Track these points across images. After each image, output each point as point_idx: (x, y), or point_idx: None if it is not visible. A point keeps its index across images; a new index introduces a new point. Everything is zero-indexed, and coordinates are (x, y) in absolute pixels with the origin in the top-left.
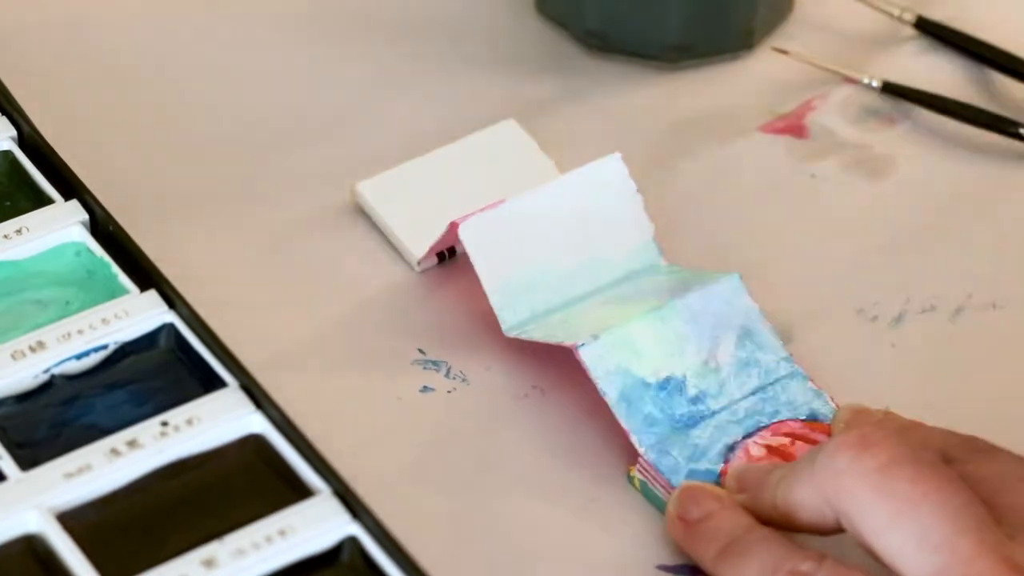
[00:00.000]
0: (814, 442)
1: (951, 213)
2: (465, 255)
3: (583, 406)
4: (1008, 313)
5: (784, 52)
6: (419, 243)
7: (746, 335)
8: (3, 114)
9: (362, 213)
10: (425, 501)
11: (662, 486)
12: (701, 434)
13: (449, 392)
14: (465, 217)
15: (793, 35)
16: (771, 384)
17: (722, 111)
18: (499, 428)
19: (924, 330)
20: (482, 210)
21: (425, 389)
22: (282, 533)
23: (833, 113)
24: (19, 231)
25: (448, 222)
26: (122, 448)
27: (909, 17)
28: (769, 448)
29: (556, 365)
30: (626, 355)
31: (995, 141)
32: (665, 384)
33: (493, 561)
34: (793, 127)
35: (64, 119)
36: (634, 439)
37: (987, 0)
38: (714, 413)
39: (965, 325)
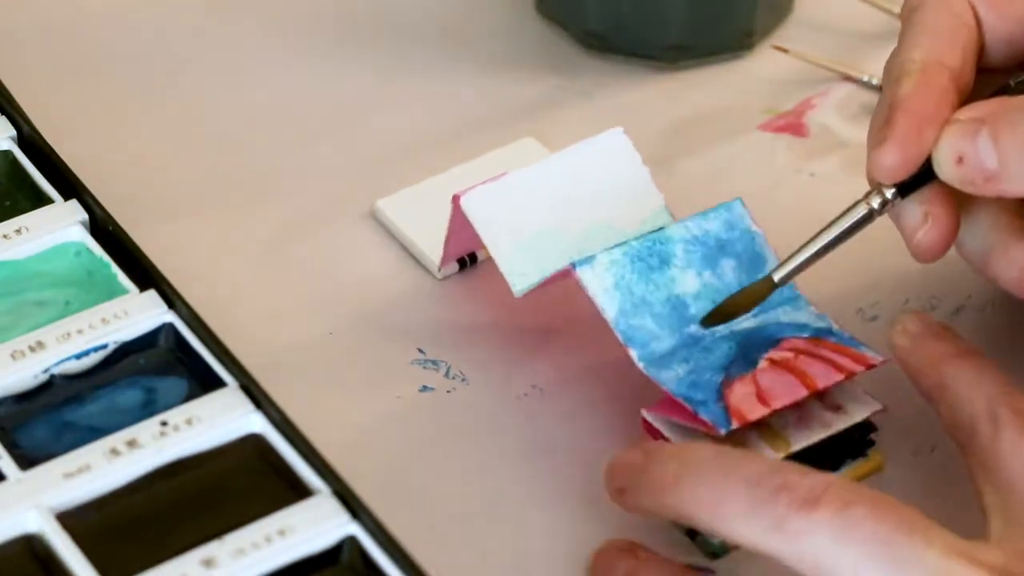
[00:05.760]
0: (817, 356)
1: None
2: (487, 259)
3: (583, 405)
4: (1007, 313)
5: (784, 51)
6: (440, 255)
7: (748, 259)
8: (3, 114)
9: (363, 215)
10: (425, 501)
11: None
12: (702, 356)
13: (449, 392)
14: (466, 190)
15: (793, 34)
16: (773, 308)
17: (722, 110)
18: (499, 428)
19: None
20: (484, 183)
21: (424, 389)
22: (282, 533)
23: (833, 112)
24: (19, 231)
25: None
26: (122, 448)
27: None
28: (772, 362)
29: (556, 365)
30: (625, 273)
31: None
32: (665, 302)
33: (492, 560)
34: (793, 126)
35: (64, 119)
36: (632, 353)
37: None
38: (715, 333)
39: (965, 325)
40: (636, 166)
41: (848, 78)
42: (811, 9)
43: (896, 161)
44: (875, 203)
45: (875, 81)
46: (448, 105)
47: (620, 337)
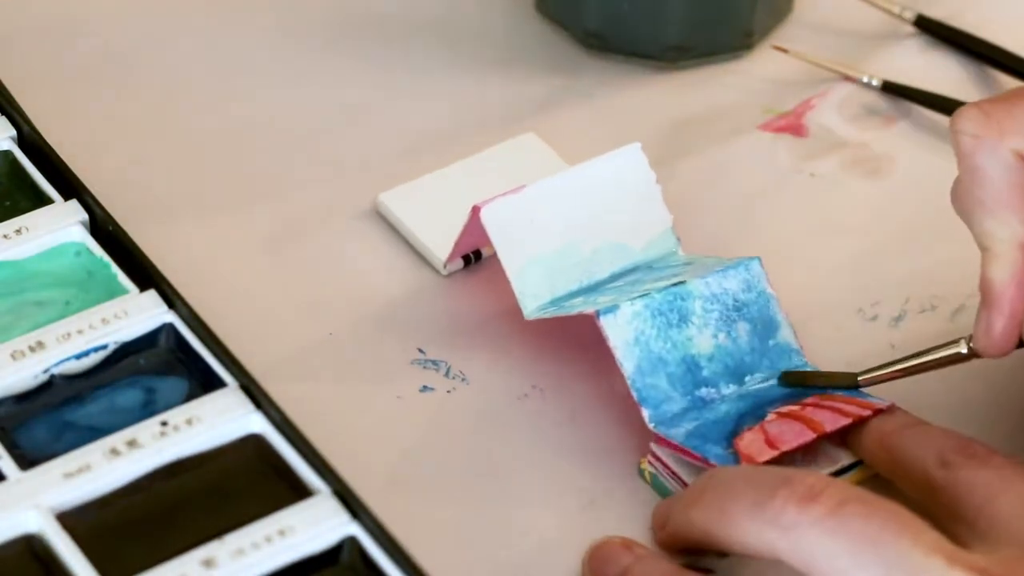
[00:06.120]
0: (823, 406)
1: (951, 212)
2: (489, 257)
3: (583, 406)
4: None
5: (784, 51)
6: (444, 248)
7: (762, 323)
8: (3, 114)
9: (366, 211)
10: (425, 501)
11: (673, 477)
12: (711, 414)
13: (449, 392)
14: (487, 201)
15: (793, 34)
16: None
17: (722, 110)
18: (499, 428)
19: (924, 330)
20: (504, 195)
21: (425, 389)
22: (282, 533)
23: (832, 112)
24: (19, 231)
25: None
26: (122, 448)
27: (909, 15)
28: (779, 414)
29: (556, 365)
30: (645, 328)
31: None
32: (680, 363)
33: (492, 561)
34: (792, 126)
35: (64, 119)
36: (645, 414)
37: None
38: (724, 397)
39: (965, 325)
40: (649, 183)
41: (848, 78)
42: (811, 9)
43: (999, 353)
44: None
45: (875, 81)
46: (448, 104)
47: (635, 395)
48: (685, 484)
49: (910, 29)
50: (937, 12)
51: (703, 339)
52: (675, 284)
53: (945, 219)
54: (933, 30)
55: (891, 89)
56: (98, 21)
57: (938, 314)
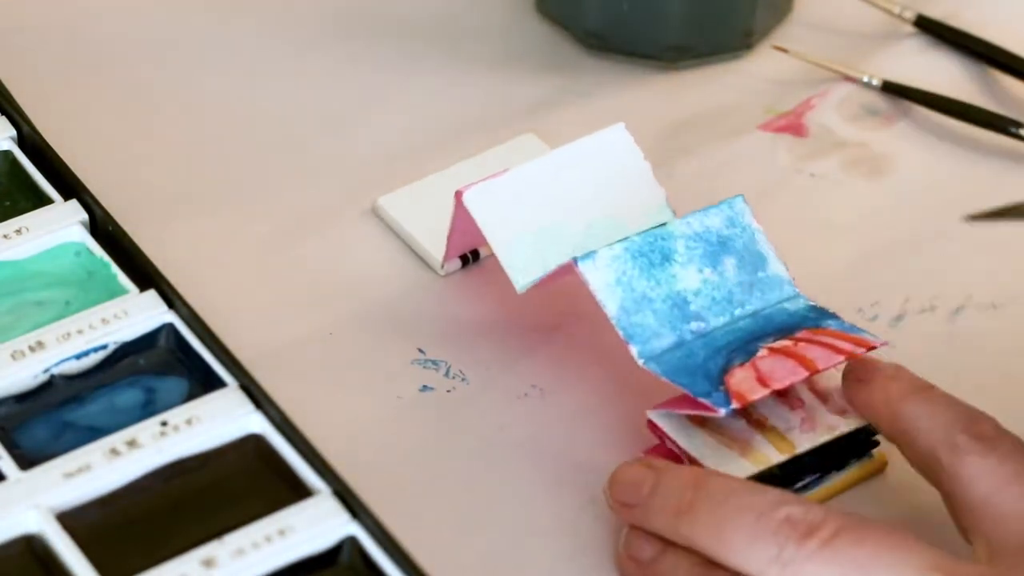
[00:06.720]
0: (816, 342)
1: (951, 213)
2: (488, 258)
3: (583, 405)
4: (1008, 313)
5: (784, 50)
6: (443, 250)
7: (749, 256)
8: (3, 114)
9: (364, 213)
10: (425, 501)
11: (673, 446)
12: (702, 350)
13: (449, 391)
14: (468, 186)
15: (793, 34)
16: (773, 306)
17: (722, 110)
18: (499, 428)
19: (924, 330)
20: (486, 179)
21: (425, 388)
22: (282, 533)
23: (832, 112)
24: (19, 231)
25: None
26: (122, 448)
27: (909, 15)
28: (771, 350)
29: (556, 365)
30: (626, 269)
31: (994, 140)
32: (666, 299)
33: (493, 561)
34: (793, 126)
35: (64, 119)
36: (633, 350)
37: None
38: (714, 329)
39: (965, 325)
40: (638, 161)
41: (848, 78)
42: (811, 9)
43: None
44: None
45: (875, 81)
46: (448, 105)
47: (621, 334)
48: (683, 454)
49: (910, 29)
50: (937, 12)
51: (688, 275)
52: (655, 227)
53: (945, 219)
54: (933, 30)
55: (891, 89)
56: (98, 21)
57: (937, 314)
